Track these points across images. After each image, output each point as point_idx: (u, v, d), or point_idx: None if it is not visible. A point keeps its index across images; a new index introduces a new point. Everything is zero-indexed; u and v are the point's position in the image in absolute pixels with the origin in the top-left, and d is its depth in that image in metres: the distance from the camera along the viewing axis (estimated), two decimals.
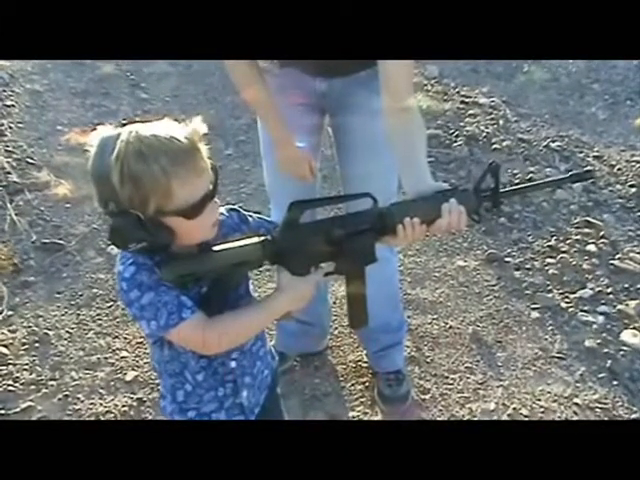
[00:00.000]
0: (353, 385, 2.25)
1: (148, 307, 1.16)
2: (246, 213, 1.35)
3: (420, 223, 1.31)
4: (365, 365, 2.29)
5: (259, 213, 1.38)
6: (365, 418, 2.15)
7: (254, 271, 1.33)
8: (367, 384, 2.24)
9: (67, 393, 2.20)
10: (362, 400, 2.20)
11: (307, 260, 1.27)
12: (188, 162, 1.12)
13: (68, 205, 2.98)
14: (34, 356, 2.32)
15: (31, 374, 2.26)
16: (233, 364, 1.31)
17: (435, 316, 2.51)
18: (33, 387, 2.21)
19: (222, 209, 1.29)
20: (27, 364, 2.29)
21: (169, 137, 1.11)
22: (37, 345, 2.36)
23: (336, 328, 2.43)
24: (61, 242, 2.78)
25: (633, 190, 3.13)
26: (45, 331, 2.41)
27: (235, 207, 1.34)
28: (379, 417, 2.15)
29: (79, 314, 2.49)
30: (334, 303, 2.44)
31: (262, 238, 1.24)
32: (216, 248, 1.20)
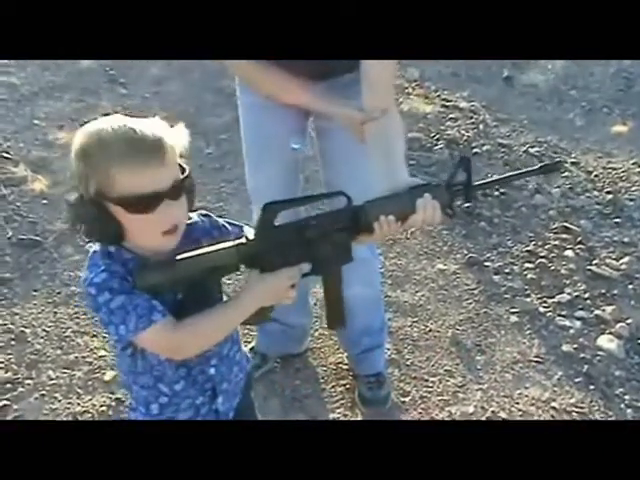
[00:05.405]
0: (333, 387, 2.25)
1: (117, 311, 1.12)
2: (217, 219, 1.31)
3: (395, 220, 1.31)
4: (346, 367, 2.29)
5: (240, 213, 1.37)
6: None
7: None
8: (347, 386, 2.24)
9: (44, 392, 2.17)
10: (342, 402, 2.20)
11: (283, 262, 1.24)
12: (141, 153, 1.10)
13: (45, 201, 2.93)
14: (10, 354, 2.28)
15: (7, 372, 2.22)
16: (212, 371, 1.29)
17: (415, 319, 2.52)
18: (9, 386, 2.18)
19: (194, 215, 1.26)
20: (3, 362, 2.25)
21: (134, 128, 1.11)
22: (13, 343, 2.32)
23: (317, 330, 2.43)
24: (38, 238, 2.74)
25: (609, 197, 3.17)
26: (21, 329, 2.37)
27: (206, 212, 1.31)
28: (359, 419, 2.15)
29: (56, 312, 2.45)
30: (315, 304, 2.43)
31: (237, 242, 1.21)
32: (190, 254, 1.17)
